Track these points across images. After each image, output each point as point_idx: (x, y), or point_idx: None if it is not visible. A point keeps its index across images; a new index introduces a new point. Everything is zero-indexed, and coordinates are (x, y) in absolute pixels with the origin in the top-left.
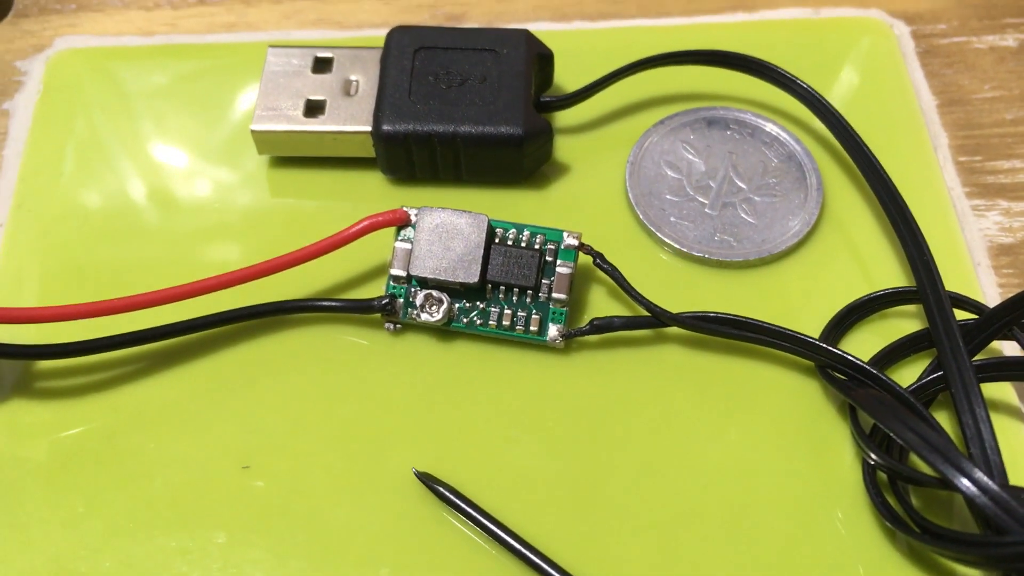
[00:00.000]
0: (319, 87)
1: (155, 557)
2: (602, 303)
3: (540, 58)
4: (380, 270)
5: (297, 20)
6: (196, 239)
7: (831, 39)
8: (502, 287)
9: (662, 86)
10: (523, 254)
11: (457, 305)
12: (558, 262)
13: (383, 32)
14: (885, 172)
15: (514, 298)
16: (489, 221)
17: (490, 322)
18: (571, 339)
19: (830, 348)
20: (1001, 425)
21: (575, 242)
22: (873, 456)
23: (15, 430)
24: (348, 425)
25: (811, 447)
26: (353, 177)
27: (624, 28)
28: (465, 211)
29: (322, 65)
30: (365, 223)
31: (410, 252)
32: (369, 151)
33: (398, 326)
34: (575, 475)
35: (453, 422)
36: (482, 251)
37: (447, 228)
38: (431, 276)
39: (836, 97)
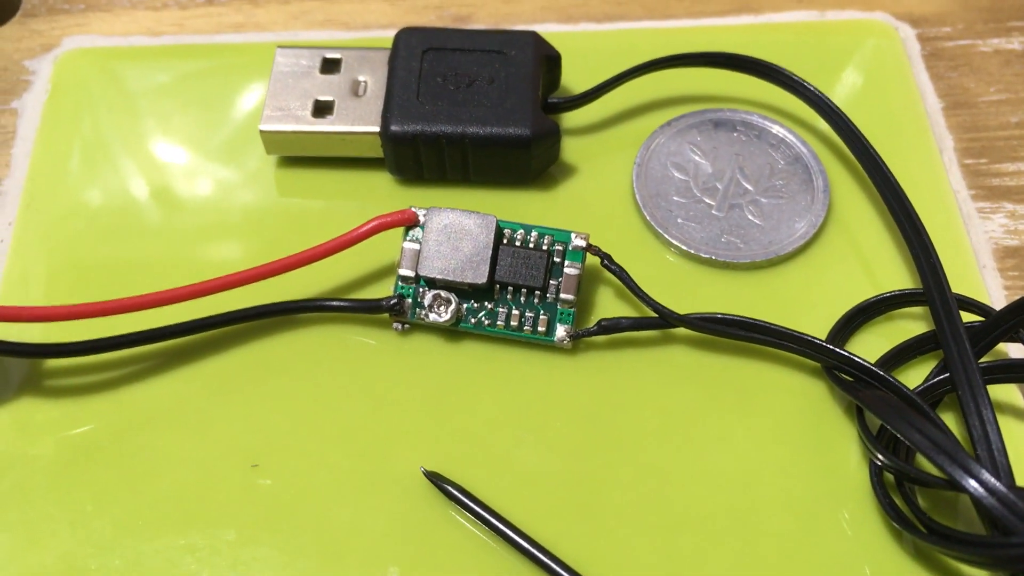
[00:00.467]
0: (327, 88)
1: (164, 555)
2: (609, 304)
3: (548, 60)
4: (388, 270)
5: (305, 21)
6: (203, 239)
7: (836, 41)
8: (510, 287)
9: (669, 88)
10: (531, 255)
11: (465, 305)
12: (566, 263)
13: (389, 33)
14: (891, 174)
15: (522, 299)
16: (497, 222)
17: (498, 322)
18: (579, 339)
19: (837, 349)
20: (1008, 427)
21: (583, 243)
22: (880, 457)
23: (23, 428)
24: (356, 424)
25: (817, 448)
26: (361, 177)
27: (630, 30)
28: (473, 212)
29: (330, 66)
30: (374, 223)
31: (418, 252)
32: (377, 151)
33: (406, 326)
34: (582, 474)
35: (461, 422)
36: (490, 252)
37: (455, 229)
38: (439, 276)
39: (841, 99)
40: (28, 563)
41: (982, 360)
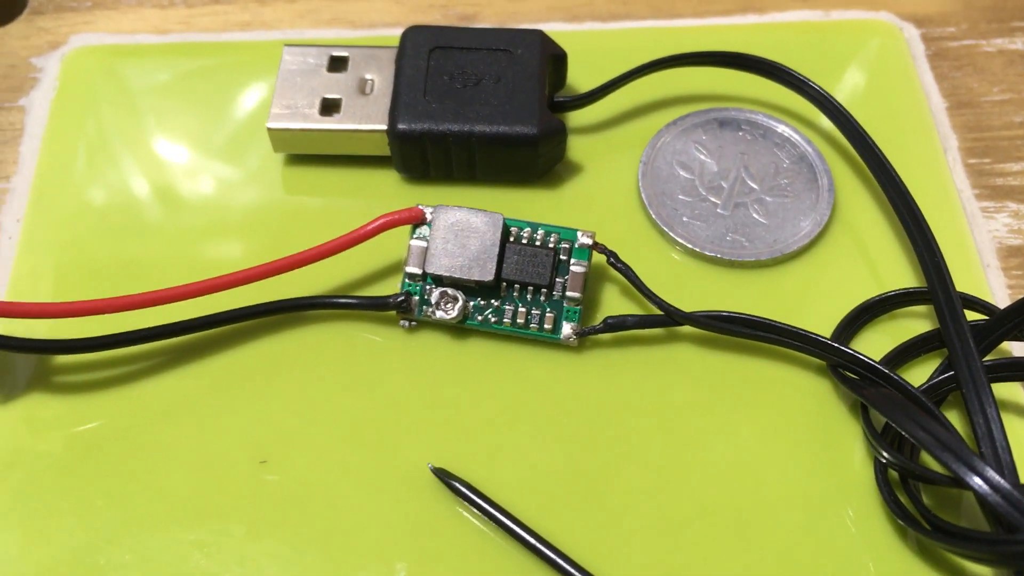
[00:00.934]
0: (335, 86)
1: (173, 550)
2: (615, 302)
3: (554, 58)
4: (395, 268)
5: (311, 19)
6: (211, 236)
7: (841, 41)
8: (517, 285)
9: (674, 87)
10: (538, 252)
11: (472, 303)
12: (572, 261)
13: (396, 31)
14: (896, 173)
15: (528, 296)
16: (504, 220)
17: (504, 320)
18: (585, 337)
19: (842, 347)
20: (1012, 424)
21: (589, 241)
22: (885, 454)
23: (32, 424)
24: (364, 421)
25: (822, 445)
26: (367, 175)
27: (636, 29)
28: (481, 210)
29: (338, 64)
30: (382, 221)
31: (426, 250)
32: (384, 150)
33: (413, 323)
34: (588, 471)
35: (467, 418)
36: (497, 249)
37: (463, 226)
38: (446, 274)
39: (846, 99)
40: (38, 558)
41: (986, 358)
